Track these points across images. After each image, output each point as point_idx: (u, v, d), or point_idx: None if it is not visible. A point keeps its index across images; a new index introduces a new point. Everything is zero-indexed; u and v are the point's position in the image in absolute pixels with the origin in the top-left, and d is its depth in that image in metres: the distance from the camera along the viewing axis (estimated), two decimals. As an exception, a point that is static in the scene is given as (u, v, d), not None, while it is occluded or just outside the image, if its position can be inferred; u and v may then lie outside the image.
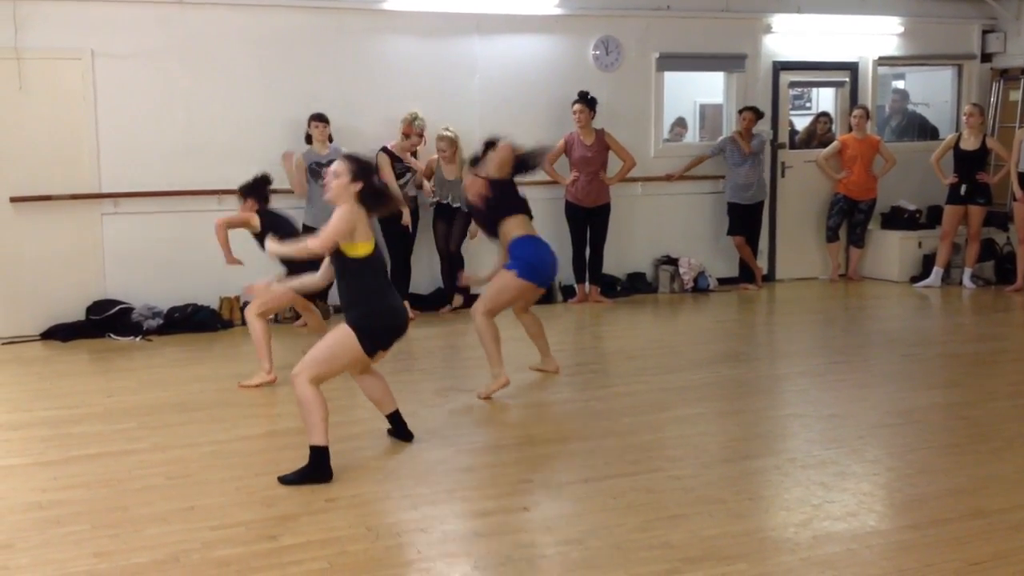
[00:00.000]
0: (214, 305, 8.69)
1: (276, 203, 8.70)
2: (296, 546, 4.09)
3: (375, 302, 4.93)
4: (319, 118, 8.66)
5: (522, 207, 6.44)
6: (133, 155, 8.47)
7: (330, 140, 8.76)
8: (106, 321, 8.27)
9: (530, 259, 6.28)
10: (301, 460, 4.88)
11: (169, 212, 8.61)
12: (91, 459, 5.21)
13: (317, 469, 4.79)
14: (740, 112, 10.19)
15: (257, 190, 6.89)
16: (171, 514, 4.43)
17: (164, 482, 4.86)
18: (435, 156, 9.15)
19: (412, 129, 8.89)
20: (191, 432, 5.65)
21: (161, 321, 8.40)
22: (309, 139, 8.72)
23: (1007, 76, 11.28)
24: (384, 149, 8.90)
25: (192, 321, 8.46)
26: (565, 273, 9.82)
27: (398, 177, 8.89)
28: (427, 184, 9.17)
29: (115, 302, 8.39)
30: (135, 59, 8.44)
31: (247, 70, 8.78)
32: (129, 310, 8.37)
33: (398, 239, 8.93)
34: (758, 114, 10.14)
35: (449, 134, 9.04)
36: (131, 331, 8.24)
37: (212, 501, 4.58)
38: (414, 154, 9.08)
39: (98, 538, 4.18)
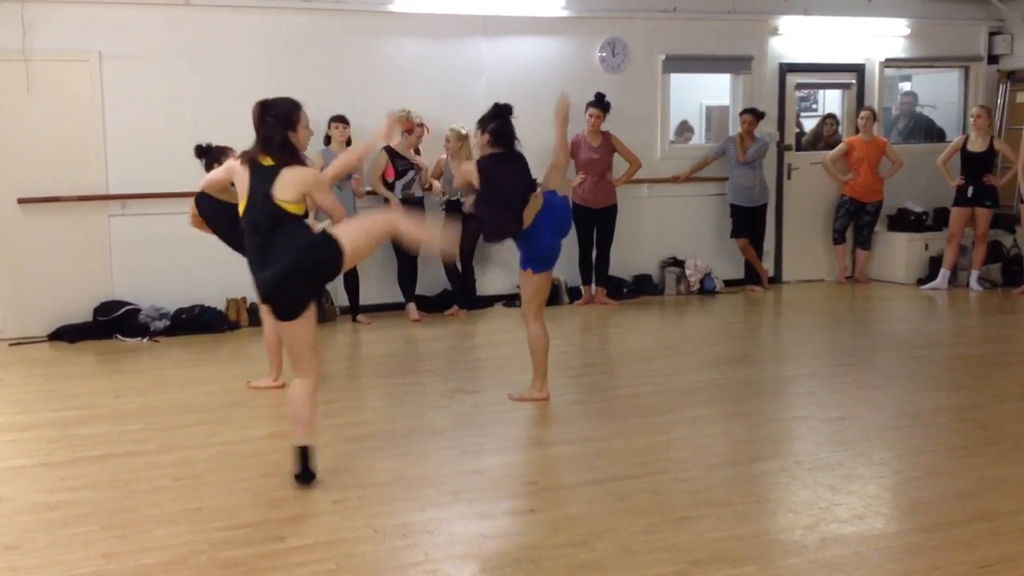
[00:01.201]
0: (221, 306, 8.71)
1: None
2: (303, 547, 4.09)
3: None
4: (340, 119, 8.65)
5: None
6: (141, 157, 8.48)
7: (348, 143, 8.75)
8: (113, 322, 8.29)
9: (538, 253, 6.17)
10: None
11: (176, 214, 8.56)
12: (98, 460, 5.22)
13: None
14: (740, 115, 10.19)
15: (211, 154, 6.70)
16: (178, 515, 4.44)
17: (171, 483, 4.87)
18: (443, 156, 9.16)
19: (411, 123, 8.89)
20: (198, 433, 5.66)
21: (168, 322, 8.42)
22: (328, 140, 8.70)
23: (1014, 78, 11.26)
24: (386, 148, 8.94)
25: (199, 322, 8.48)
26: (571, 275, 9.84)
27: (400, 175, 8.89)
28: (436, 184, 9.17)
29: (122, 303, 8.41)
30: (143, 61, 8.47)
31: (254, 72, 8.79)
32: (136, 311, 8.39)
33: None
34: (758, 116, 10.13)
35: (461, 131, 9.05)
36: (138, 332, 8.26)
37: (219, 502, 4.59)
38: (418, 151, 9.07)
39: (106, 539, 4.19)
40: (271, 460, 5.18)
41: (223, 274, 8.69)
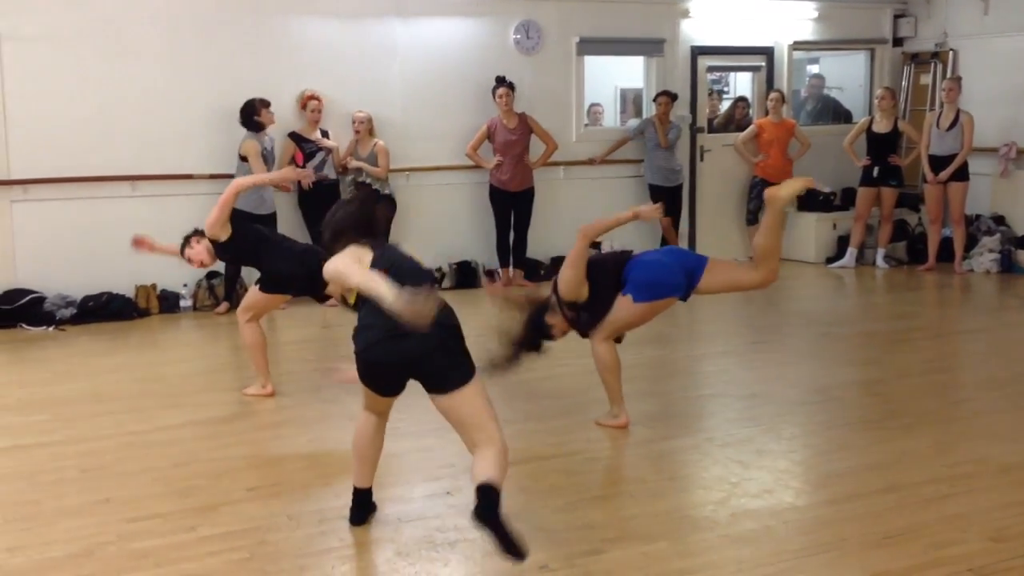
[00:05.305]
0: (129, 293, 8.51)
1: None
2: (215, 536, 4.03)
3: None
4: (267, 104, 8.45)
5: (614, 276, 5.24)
6: (44, 140, 8.24)
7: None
8: (17, 311, 8.04)
9: (645, 280, 5.18)
10: (222, 449, 4.81)
11: (82, 199, 8.41)
12: (3, 452, 5.07)
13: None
14: (655, 99, 10.28)
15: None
16: (86, 507, 4.34)
17: (78, 475, 4.75)
18: (354, 139, 9.11)
19: (305, 99, 8.75)
20: (106, 423, 5.53)
21: (75, 310, 8.20)
22: (260, 126, 8.42)
23: (917, 60, 11.55)
24: (291, 134, 8.83)
25: (107, 310, 8.27)
26: (489, 257, 9.84)
27: (309, 158, 8.81)
28: (353, 161, 9.03)
29: (27, 291, 8.17)
30: (46, 42, 8.21)
31: (162, 53, 8.59)
32: (41, 299, 8.15)
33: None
34: (673, 98, 10.25)
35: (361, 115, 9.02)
36: (44, 321, 8.03)
37: (128, 493, 4.50)
38: (326, 134, 8.96)
39: (11, 532, 4.08)
40: (183, 449, 5.09)
41: (131, 260, 8.46)
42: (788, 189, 5.14)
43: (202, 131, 8.64)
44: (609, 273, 5.19)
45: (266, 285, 5.93)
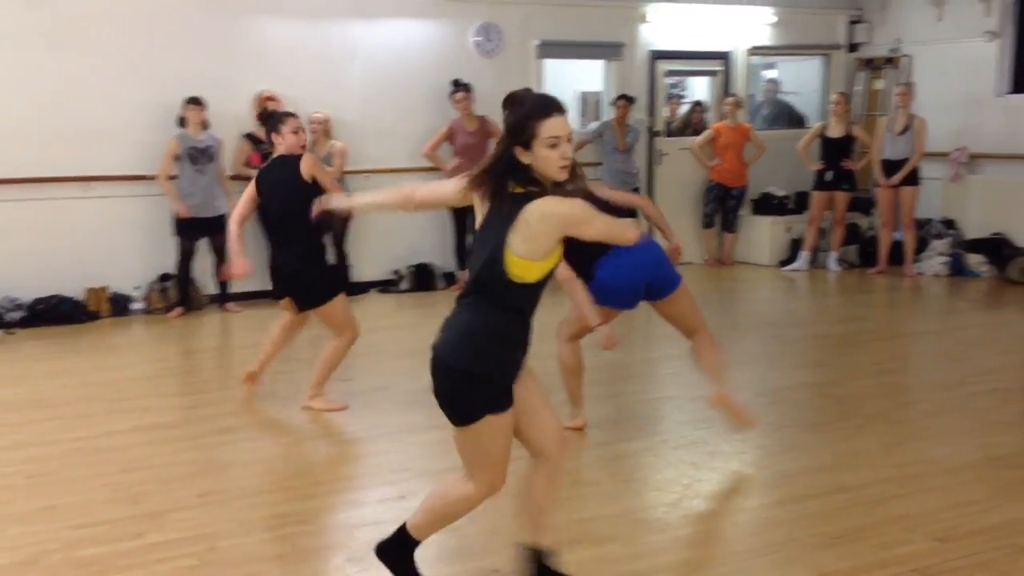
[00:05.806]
0: (79, 296, 8.39)
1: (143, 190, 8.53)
2: (164, 543, 3.98)
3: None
4: (194, 101, 8.40)
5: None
6: (-9, 141, 8.11)
7: (205, 126, 8.51)
8: (-36, 314, 7.93)
9: (607, 283, 5.24)
10: (172, 455, 4.74)
11: (32, 200, 8.28)
12: (-54, 459, 4.98)
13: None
14: (613, 102, 10.33)
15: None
16: (31, 514, 4.27)
17: (24, 481, 4.67)
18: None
19: (262, 100, 8.70)
20: (53, 428, 5.44)
21: (24, 313, 8.08)
22: (182, 122, 8.44)
23: (872, 65, 11.69)
24: (247, 135, 8.78)
25: (56, 313, 8.15)
26: (446, 259, 9.83)
27: (264, 159, 8.73)
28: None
29: (-26, 294, 8.05)
30: (-4, 41, 8.10)
31: (117, 52, 8.48)
32: (-11, 302, 8.04)
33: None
34: (631, 101, 10.30)
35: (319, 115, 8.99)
36: (-8, 324, 7.92)
37: (75, 499, 4.43)
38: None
39: (-48, 541, 4.01)
40: (132, 455, 5.02)
41: (82, 263, 8.41)
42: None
43: (157, 132, 8.53)
44: (587, 251, 4.79)
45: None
